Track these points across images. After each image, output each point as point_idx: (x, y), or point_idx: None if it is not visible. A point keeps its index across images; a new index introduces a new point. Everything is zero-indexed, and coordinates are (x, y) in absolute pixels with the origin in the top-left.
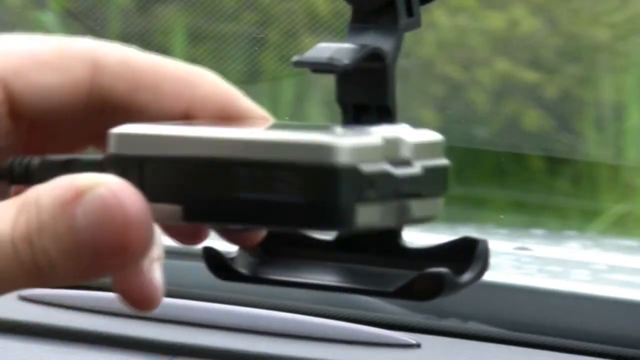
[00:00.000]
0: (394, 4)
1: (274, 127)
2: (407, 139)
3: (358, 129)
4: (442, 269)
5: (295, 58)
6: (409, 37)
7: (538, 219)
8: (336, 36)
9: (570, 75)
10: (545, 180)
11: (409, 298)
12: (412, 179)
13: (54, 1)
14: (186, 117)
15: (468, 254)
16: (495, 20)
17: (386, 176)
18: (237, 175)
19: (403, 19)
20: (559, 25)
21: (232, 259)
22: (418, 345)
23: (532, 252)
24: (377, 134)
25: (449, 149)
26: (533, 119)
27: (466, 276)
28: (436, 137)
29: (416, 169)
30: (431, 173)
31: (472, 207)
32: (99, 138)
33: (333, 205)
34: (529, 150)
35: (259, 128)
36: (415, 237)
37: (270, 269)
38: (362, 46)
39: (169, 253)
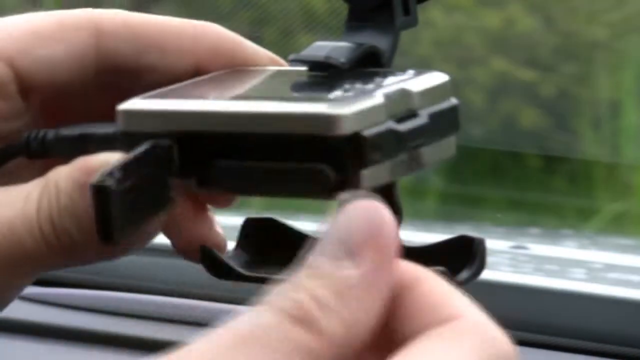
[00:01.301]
0: (391, 3)
1: (280, 88)
2: (412, 88)
3: (360, 87)
4: (439, 268)
5: (292, 56)
6: (405, 35)
7: (535, 217)
8: (333, 34)
9: (566, 74)
10: (542, 178)
11: None
12: (419, 130)
13: (49, 0)
14: (195, 71)
15: (465, 253)
16: (492, 19)
17: (391, 134)
18: (244, 147)
19: (399, 18)
20: (556, 24)
21: (228, 257)
22: None
23: (529, 250)
24: (378, 91)
25: None
26: (530, 117)
27: (463, 275)
28: (442, 78)
29: (422, 118)
30: (439, 117)
31: (469, 206)
32: (112, 104)
33: (340, 171)
34: (526, 148)
35: (264, 97)
36: (412, 235)
37: (267, 268)
38: (359, 44)
39: (168, 252)
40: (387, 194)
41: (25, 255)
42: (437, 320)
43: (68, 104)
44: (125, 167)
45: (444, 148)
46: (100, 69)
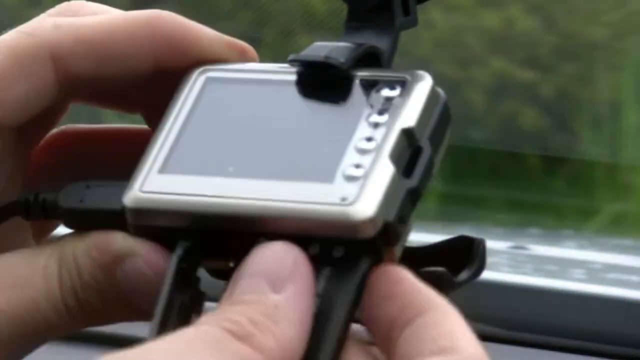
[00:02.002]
0: (391, 3)
1: (283, 151)
2: (409, 123)
3: (364, 148)
4: (439, 268)
5: (291, 56)
6: (405, 35)
7: (534, 218)
8: (332, 35)
9: (566, 74)
10: (542, 179)
11: None
12: (426, 168)
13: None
14: (154, 68)
15: (465, 253)
16: (492, 19)
17: (408, 198)
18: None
19: (399, 18)
20: (556, 24)
21: None
22: None
23: (529, 251)
24: (384, 153)
25: (446, 149)
26: (529, 118)
27: (463, 275)
28: (427, 84)
29: (426, 150)
30: (437, 129)
31: (469, 206)
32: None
33: (375, 261)
34: (526, 149)
35: (273, 175)
36: (412, 236)
37: None
38: (359, 45)
39: None
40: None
41: (49, 328)
42: (435, 350)
43: (38, 130)
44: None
45: (443, 145)
46: (63, 90)
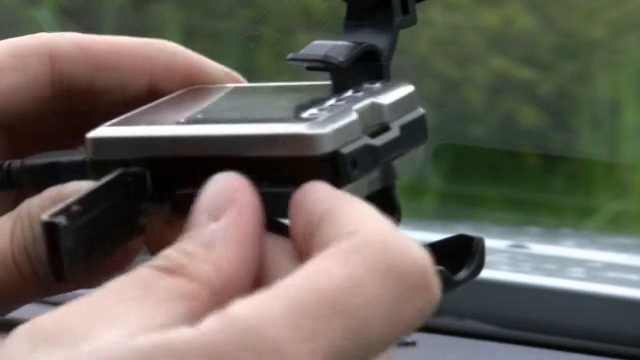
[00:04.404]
0: (389, 2)
1: (248, 108)
2: (382, 101)
3: (331, 105)
4: (438, 267)
5: (290, 55)
6: (403, 34)
7: (533, 216)
8: (331, 33)
9: (565, 73)
10: (541, 177)
11: None
12: (392, 144)
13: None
14: (149, 88)
15: (464, 252)
16: (490, 18)
17: (367, 151)
18: (218, 170)
19: (398, 16)
20: (554, 22)
21: None
22: (413, 344)
23: (528, 249)
24: (351, 108)
25: (445, 147)
26: (528, 116)
27: (462, 274)
28: (408, 89)
29: (394, 131)
30: (410, 128)
31: (468, 205)
32: (70, 130)
33: None
34: (525, 147)
35: (233, 118)
36: (411, 234)
37: None
38: (357, 43)
39: None
40: (385, 193)
41: (2, 290)
42: (339, 236)
43: (27, 133)
44: (85, 200)
45: (415, 158)
46: (56, 93)
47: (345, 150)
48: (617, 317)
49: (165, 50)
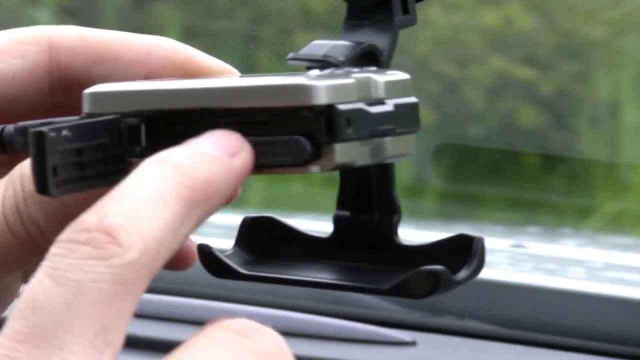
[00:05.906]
0: (390, 1)
1: (246, 76)
2: (378, 79)
3: (330, 72)
4: (438, 267)
5: (290, 55)
6: (403, 34)
7: (534, 216)
8: (331, 33)
9: (565, 73)
10: (541, 177)
11: (405, 295)
12: (385, 116)
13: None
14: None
15: (464, 252)
16: (491, 18)
17: (362, 114)
18: (217, 123)
19: (398, 16)
20: (554, 23)
21: (227, 256)
22: (413, 343)
23: (528, 249)
24: (349, 75)
25: (445, 147)
26: (528, 116)
27: (462, 273)
28: (404, 76)
29: (389, 106)
30: (403, 110)
31: (468, 205)
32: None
33: (314, 144)
34: (525, 147)
35: (229, 78)
36: (411, 234)
37: (265, 267)
38: (357, 43)
39: None
40: (384, 192)
41: None
42: None
43: (27, 118)
44: (75, 129)
45: (405, 144)
46: (54, 82)
47: (342, 107)
48: (617, 317)
49: (164, 44)
